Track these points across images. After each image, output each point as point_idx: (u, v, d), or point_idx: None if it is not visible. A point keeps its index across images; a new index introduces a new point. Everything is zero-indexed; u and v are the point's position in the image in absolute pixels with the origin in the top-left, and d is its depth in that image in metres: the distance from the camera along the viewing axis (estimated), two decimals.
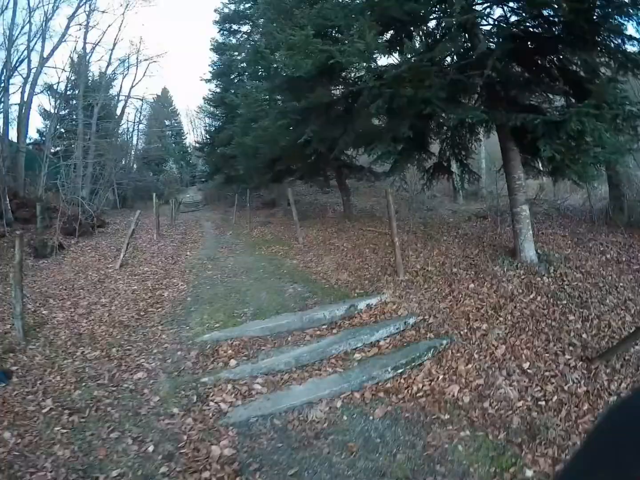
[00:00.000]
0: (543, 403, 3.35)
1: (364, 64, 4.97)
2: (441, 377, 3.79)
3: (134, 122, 32.67)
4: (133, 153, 33.71)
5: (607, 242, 6.73)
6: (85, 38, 21.31)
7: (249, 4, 17.24)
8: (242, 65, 17.76)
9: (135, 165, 33.16)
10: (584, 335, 4.21)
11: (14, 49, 16.90)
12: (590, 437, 0.53)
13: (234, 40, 19.58)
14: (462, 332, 4.47)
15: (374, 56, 5.15)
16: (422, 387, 3.70)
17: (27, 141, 19.12)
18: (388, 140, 6.02)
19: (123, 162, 27.98)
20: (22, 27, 17.29)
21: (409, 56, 4.99)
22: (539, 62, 6.14)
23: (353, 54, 4.68)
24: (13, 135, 17.67)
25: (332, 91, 7.69)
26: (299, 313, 5.22)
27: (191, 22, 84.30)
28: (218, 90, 20.53)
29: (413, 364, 3.99)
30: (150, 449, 3.03)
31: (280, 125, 7.64)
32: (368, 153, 6.94)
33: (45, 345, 4.90)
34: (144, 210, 13.92)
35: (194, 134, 47.26)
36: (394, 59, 6.21)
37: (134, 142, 35.00)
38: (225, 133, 16.03)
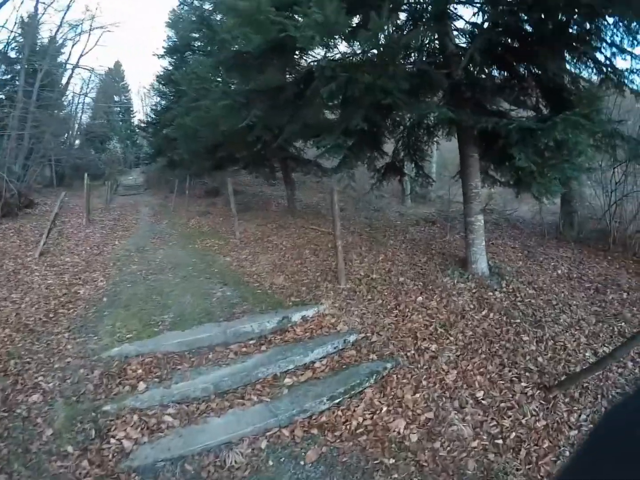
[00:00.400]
0: (500, 442, 2.95)
1: (321, 39, 4.29)
2: (385, 409, 3.30)
3: (80, 94, 30.00)
4: (76, 128, 30.94)
5: (557, 256, 6.55)
6: None
7: None
8: (195, 42, 16.90)
9: (77, 141, 30.70)
10: (540, 359, 3.88)
11: None
12: (587, 441, 0.50)
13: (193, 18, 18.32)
14: (409, 354, 4.01)
15: (334, 34, 4.50)
16: (363, 421, 3.20)
17: None
18: (338, 132, 5.42)
19: (65, 137, 26.01)
20: None
21: (374, 39, 4.34)
22: (513, 66, 5.79)
23: (309, 27, 4.00)
24: None
25: (284, 75, 6.94)
26: (223, 324, 4.55)
27: None
28: (170, 67, 19.21)
29: (352, 392, 3.47)
30: None
31: (223, 107, 6.72)
32: (316, 145, 6.28)
33: None
34: (81, 191, 12.71)
35: (143, 112, 43.93)
36: (356, 48, 5.62)
37: (78, 116, 32.09)
38: (171, 113, 14.95)
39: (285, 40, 4.46)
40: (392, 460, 2.81)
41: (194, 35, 16.80)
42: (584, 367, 3.61)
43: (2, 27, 17.87)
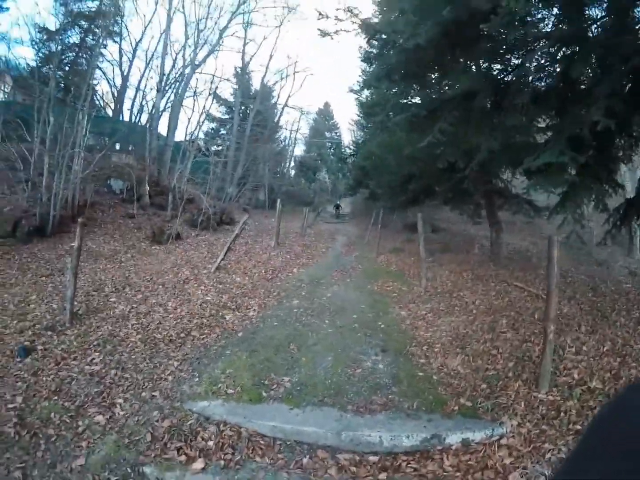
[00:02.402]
0: None
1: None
2: None
3: (292, 131, 34.85)
4: (291, 160, 36.60)
5: None
6: (243, 51, 24.32)
7: None
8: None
9: (292, 172, 35.96)
10: None
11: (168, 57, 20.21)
12: (581, 442, 0.51)
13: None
14: None
15: None
16: None
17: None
18: (562, 142, 3.55)
19: (280, 167, 30.28)
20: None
21: None
22: None
23: None
24: (163, 131, 20.09)
25: (473, 77, 5.18)
26: (347, 418, 3.18)
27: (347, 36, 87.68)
28: (367, 99, 19.32)
29: None
30: None
31: (401, 123, 5.38)
32: (525, 170, 4.42)
33: (80, 336, 4.71)
34: (289, 215, 13.43)
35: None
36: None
37: (292, 149, 37.87)
38: (371, 145, 14.64)
39: (462, 25, 2.96)
40: None
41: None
42: None
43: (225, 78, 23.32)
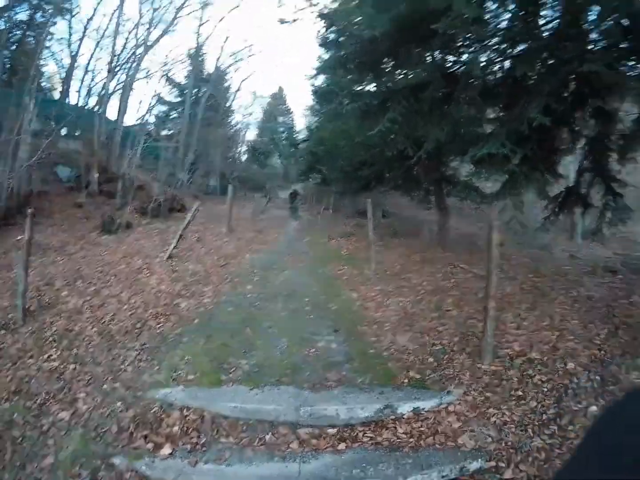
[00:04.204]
0: None
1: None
2: None
3: (244, 115, 35.70)
4: (241, 145, 36.32)
5: None
6: (198, 32, 24.04)
7: None
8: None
9: (243, 157, 35.80)
10: None
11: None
12: (580, 446, 0.53)
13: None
14: None
15: None
16: None
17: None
18: (503, 136, 3.85)
19: (232, 153, 29.94)
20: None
21: None
22: None
23: None
24: (112, 115, 19.52)
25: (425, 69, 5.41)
26: (304, 394, 3.34)
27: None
28: (323, 85, 19.64)
29: None
30: None
31: (352, 111, 5.55)
32: (471, 158, 4.69)
33: (34, 333, 4.71)
34: (241, 200, 13.30)
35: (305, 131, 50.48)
36: None
37: (245, 134, 37.83)
38: (325, 131, 14.84)
39: (416, 18, 3.14)
40: None
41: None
42: None
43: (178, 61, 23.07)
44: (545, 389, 3.40)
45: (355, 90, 6.34)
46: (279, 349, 4.27)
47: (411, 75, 5.06)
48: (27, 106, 10.65)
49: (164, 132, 22.97)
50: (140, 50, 19.95)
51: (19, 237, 8.27)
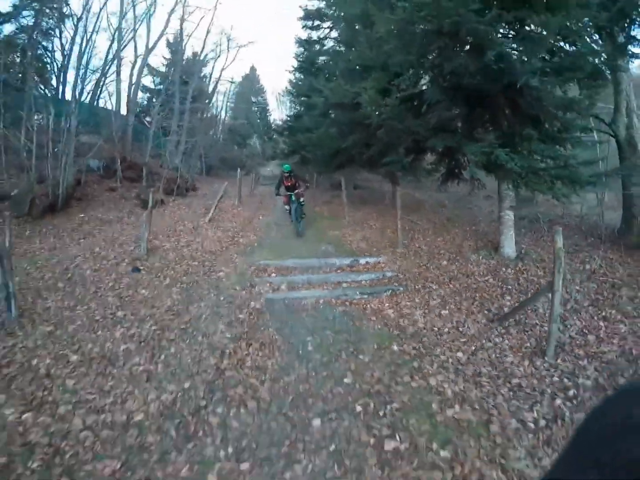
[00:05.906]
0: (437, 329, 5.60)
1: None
2: (387, 304, 6.19)
3: (224, 100, 37.78)
4: (220, 127, 37.92)
5: (598, 256, 7.48)
6: (181, 27, 26.69)
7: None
8: (322, 59, 19.45)
9: (222, 138, 37.27)
10: (505, 309, 5.74)
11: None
12: (567, 448, 0.54)
13: (315, 36, 20.46)
14: (416, 286, 6.74)
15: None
16: (372, 306, 6.14)
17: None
18: (395, 149, 8.91)
19: (211, 134, 31.90)
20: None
21: None
22: None
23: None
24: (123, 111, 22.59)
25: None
26: (322, 259, 8.01)
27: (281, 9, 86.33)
28: (300, 82, 21.36)
29: (375, 295, 6.49)
30: (221, 298, 6.13)
31: (330, 133, 10.91)
32: (384, 163, 9.99)
33: (161, 258, 8.04)
34: (227, 179, 17.03)
35: (279, 110, 50.69)
36: None
37: (222, 117, 39.50)
38: (304, 121, 18.01)
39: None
40: (373, 318, 5.73)
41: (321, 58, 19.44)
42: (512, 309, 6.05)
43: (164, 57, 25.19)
44: (425, 257, 8.13)
45: (333, 120, 11.60)
46: (304, 250, 8.80)
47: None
48: (71, 112, 13.18)
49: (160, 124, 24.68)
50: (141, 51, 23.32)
51: (80, 215, 11.31)
